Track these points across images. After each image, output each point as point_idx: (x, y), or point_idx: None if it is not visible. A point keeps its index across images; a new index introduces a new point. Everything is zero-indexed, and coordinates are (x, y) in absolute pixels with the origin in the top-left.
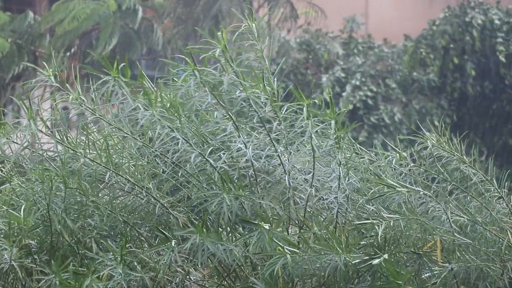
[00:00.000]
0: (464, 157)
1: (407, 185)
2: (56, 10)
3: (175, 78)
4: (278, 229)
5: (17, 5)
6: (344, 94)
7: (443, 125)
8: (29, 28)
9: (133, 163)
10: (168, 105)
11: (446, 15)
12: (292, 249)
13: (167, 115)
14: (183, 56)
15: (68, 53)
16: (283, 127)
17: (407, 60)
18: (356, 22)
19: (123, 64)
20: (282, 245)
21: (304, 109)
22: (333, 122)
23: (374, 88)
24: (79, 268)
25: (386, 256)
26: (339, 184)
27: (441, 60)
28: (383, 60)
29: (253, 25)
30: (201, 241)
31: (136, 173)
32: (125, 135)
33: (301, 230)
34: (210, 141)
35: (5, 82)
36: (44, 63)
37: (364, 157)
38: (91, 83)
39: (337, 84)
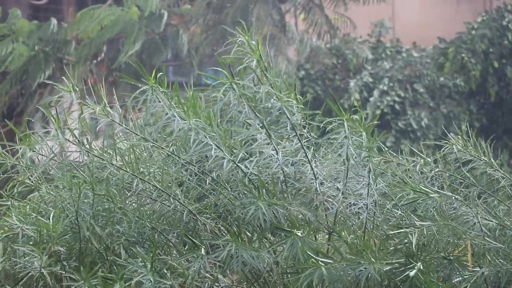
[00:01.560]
0: (492, 161)
1: (436, 189)
2: (81, 18)
3: (207, 84)
4: (309, 237)
5: (44, 13)
6: (371, 99)
7: (470, 129)
8: (54, 36)
9: (159, 170)
10: (204, 114)
11: (484, 19)
12: (325, 260)
13: (202, 124)
14: (212, 66)
15: (95, 60)
16: (312, 134)
17: (447, 65)
18: (384, 26)
19: (160, 74)
20: (315, 255)
21: (345, 125)
22: (364, 133)
23: (401, 93)
24: (108, 275)
25: (420, 265)
26: (368, 191)
27: (482, 64)
28: (411, 65)
29: (246, 38)
30: (236, 249)
31: (163, 181)
32: (152, 146)
33: (331, 237)
34: (239, 150)
35: (32, 90)
36: (67, 72)
37: (391, 161)
38: (117, 90)
39: (365, 89)
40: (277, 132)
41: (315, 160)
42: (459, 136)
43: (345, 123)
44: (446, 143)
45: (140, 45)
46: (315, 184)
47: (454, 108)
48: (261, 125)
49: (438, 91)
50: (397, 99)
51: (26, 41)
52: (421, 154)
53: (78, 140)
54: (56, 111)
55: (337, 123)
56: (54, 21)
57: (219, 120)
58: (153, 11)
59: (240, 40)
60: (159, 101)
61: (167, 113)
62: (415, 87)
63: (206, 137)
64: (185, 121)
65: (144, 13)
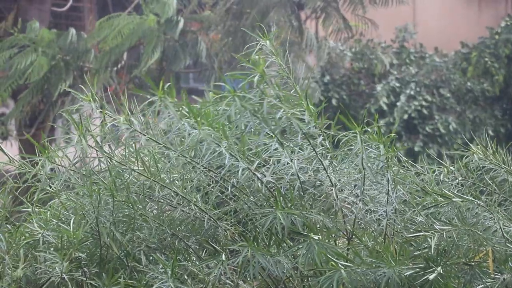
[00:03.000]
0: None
1: (459, 194)
2: (101, 27)
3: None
4: (328, 241)
5: (66, 20)
6: (398, 103)
7: (490, 135)
8: (74, 45)
9: (179, 177)
10: (214, 125)
11: (508, 24)
12: (345, 263)
13: (213, 133)
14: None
15: (115, 68)
16: (327, 143)
17: (470, 69)
18: (408, 31)
19: (168, 84)
20: (333, 258)
21: (358, 138)
22: (382, 146)
23: (428, 98)
24: (129, 281)
25: (440, 269)
26: (387, 199)
27: (506, 68)
28: (437, 70)
29: (269, 41)
30: (252, 254)
31: (182, 187)
32: (171, 153)
33: (350, 242)
34: (253, 159)
35: (53, 99)
36: (87, 81)
37: (411, 171)
38: (136, 101)
39: (392, 94)
40: (290, 140)
41: (332, 168)
42: (479, 145)
43: (359, 136)
44: (467, 151)
45: (160, 53)
46: (333, 191)
47: (480, 114)
48: (270, 135)
49: (464, 96)
50: (424, 103)
51: (46, 50)
52: (443, 163)
53: (100, 147)
54: (80, 118)
55: (353, 135)
56: (72, 30)
57: (231, 129)
58: (170, 17)
59: (261, 44)
60: (168, 112)
61: (177, 123)
62: (441, 92)
63: (219, 145)
64: (196, 130)
65: (161, 19)
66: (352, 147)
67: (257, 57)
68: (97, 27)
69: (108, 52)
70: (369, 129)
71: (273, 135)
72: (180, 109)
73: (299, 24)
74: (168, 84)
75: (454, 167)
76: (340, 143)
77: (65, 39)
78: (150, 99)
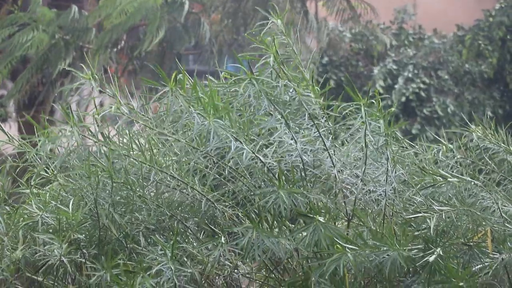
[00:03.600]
0: (511, 148)
1: (456, 175)
2: (103, 5)
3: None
4: (331, 223)
5: (65, 1)
6: (396, 86)
7: (489, 116)
8: (75, 23)
9: (176, 160)
10: (222, 111)
11: (502, 6)
12: (351, 246)
13: (222, 123)
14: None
15: (115, 48)
16: (331, 124)
17: (464, 52)
18: (407, 13)
19: (179, 74)
20: (339, 241)
21: (362, 110)
22: (381, 121)
23: (426, 80)
24: (128, 262)
25: (440, 251)
26: (386, 178)
27: (499, 51)
28: (435, 52)
29: (280, 20)
30: (257, 236)
31: (180, 170)
32: (168, 138)
33: (350, 223)
34: (258, 139)
35: (53, 78)
36: (87, 60)
37: (410, 150)
38: (136, 79)
39: (389, 76)
40: (295, 122)
41: (333, 148)
42: (479, 124)
43: (363, 108)
44: (466, 130)
45: (164, 33)
46: (333, 171)
47: (478, 95)
48: (280, 116)
49: (462, 78)
50: (422, 86)
51: (46, 29)
52: (442, 141)
53: (93, 135)
54: (70, 109)
55: (355, 108)
56: (75, 8)
57: (242, 112)
58: None
59: (272, 22)
60: (179, 104)
61: (186, 113)
62: (439, 74)
63: (226, 132)
64: (205, 121)
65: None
66: (354, 125)
67: (269, 38)
68: (100, 5)
69: (110, 31)
70: (368, 109)
71: (283, 117)
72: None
73: (302, 5)
74: (180, 74)
75: (453, 146)
76: (341, 123)
77: (67, 17)
78: (162, 91)
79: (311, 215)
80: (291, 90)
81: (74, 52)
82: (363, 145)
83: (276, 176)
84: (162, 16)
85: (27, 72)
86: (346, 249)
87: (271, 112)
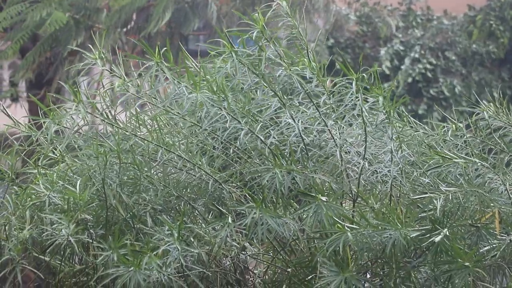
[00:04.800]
0: None
1: (463, 156)
2: None
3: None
4: (334, 203)
5: None
6: (402, 67)
7: (501, 96)
8: (86, 3)
9: (183, 141)
10: (214, 86)
11: None
12: (351, 225)
13: (211, 96)
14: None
15: (124, 29)
16: (332, 101)
17: (475, 32)
18: None
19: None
20: (340, 220)
21: (353, 83)
22: (381, 98)
23: (433, 61)
24: (135, 243)
25: (446, 231)
26: (392, 158)
27: (511, 31)
28: (442, 32)
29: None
30: (261, 215)
31: (187, 150)
32: (174, 116)
33: (356, 204)
34: (258, 119)
35: (63, 57)
36: (95, 40)
37: (418, 130)
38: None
39: (396, 57)
40: (292, 100)
41: (337, 127)
42: (491, 103)
43: (354, 82)
44: (478, 108)
45: (170, 14)
46: (336, 151)
47: (486, 76)
48: (271, 93)
49: (469, 59)
50: (428, 66)
51: (57, 7)
52: (452, 120)
53: (101, 113)
54: (84, 85)
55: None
56: None
57: (231, 92)
58: None
59: (276, 3)
60: (166, 76)
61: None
62: (447, 55)
63: (220, 109)
64: (193, 94)
65: None
66: (352, 102)
67: (256, 14)
68: None
69: (118, 11)
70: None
71: (276, 94)
72: (178, 72)
73: None
74: (164, 49)
75: (462, 124)
76: (337, 99)
77: None
78: (146, 64)
79: (313, 194)
80: (282, 68)
81: (84, 31)
82: (361, 122)
83: (275, 155)
84: None
85: (36, 50)
86: (347, 228)
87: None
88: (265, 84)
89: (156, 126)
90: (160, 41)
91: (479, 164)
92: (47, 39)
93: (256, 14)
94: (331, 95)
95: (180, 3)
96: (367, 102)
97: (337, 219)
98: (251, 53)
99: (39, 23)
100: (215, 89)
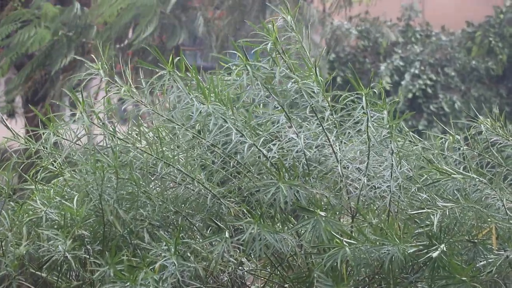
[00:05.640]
0: None
1: (461, 171)
2: (102, 3)
3: (226, 69)
4: (333, 218)
5: None
6: (403, 82)
7: (498, 111)
8: (77, 20)
9: (183, 154)
10: (223, 98)
11: None
12: (349, 240)
13: (220, 108)
14: (234, 49)
15: (118, 45)
16: (335, 117)
17: (474, 48)
18: (414, 10)
19: (178, 58)
20: (338, 236)
21: (363, 98)
22: (385, 112)
23: (433, 77)
24: (132, 259)
25: (443, 247)
26: (391, 173)
27: (510, 48)
28: (441, 49)
29: (289, 16)
30: (258, 231)
31: (186, 164)
32: (176, 127)
33: (355, 219)
34: (261, 133)
35: (55, 75)
36: (93, 55)
37: (417, 145)
38: (141, 75)
39: (396, 73)
40: (298, 115)
41: (338, 142)
42: (488, 117)
43: (364, 98)
44: (476, 122)
45: (158, 28)
46: (338, 167)
47: (485, 92)
48: (279, 108)
49: (469, 75)
50: (428, 82)
51: (49, 25)
52: (450, 132)
53: (102, 123)
54: (82, 94)
55: (360, 100)
56: (77, 4)
57: (239, 104)
58: None
59: (281, 18)
60: (178, 86)
61: (185, 98)
62: (446, 71)
63: (226, 121)
64: (204, 105)
65: None
66: (357, 117)
67: (270, 25)
68: (99, 2)
69: (108, 29)
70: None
71: (282, 109)
72: (189, 83)
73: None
74: (178, 58)
75: (460, 136)
76: (342, 114)
77: (69, 13)
78: (159, 73)
79: (312, 209)
80: (292, 81)
81: (76, 48)
82: (366, 137)
83: (278, 169)
84: (155, 11)
85: (28, 66)
86: (345, 243)
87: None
88: (276, 98)
89: (156, 138)
90: (151, 56)
91: (476, 180)
92: (39, 56)
93: (269, 25)
94: (334, 110)
95: (168, 18)
96: (372, 117)
97: (335, 234)
98: (265, 67)
99: (27, 43)
100: (224, 102)
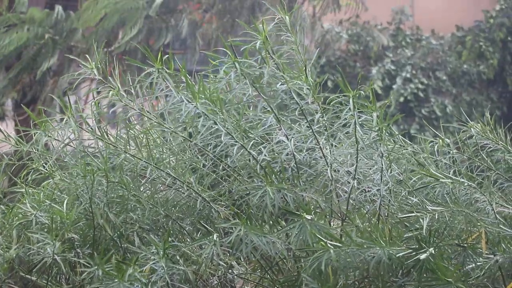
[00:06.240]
0: (510, 147)
1: (450, 175)
2: (86, 8)
3: (214, 71)
4: (321, 222)
5: (63, 1)
6: (394, 86)
7: (489, 116)
8: (62, 24)
9: (173, 157)
10: (212, 98)
11: (503, 7)
12: (334, 243)
13: (210, 108)
14: (222, 52)
15: (105, 49)
16: (325, 119)
17: (465, 53)
18: (404, 13)
19: (166, 56)
20: (324, 238)
21: (350, 100)
22: (375, 114)
23: (424, 81)
24: (122, 261)
25: (432, 250)
26: (381, 176)
27: (500, 52)
28: (433, 52)
29: (286, 17)
30: (245, 233)
31: (177, 168)
32: (166, 130)
33: (344, 223)
34: (251, 135)
35: (44, 78)
36: (87, 55)
37: (407, 149)
38: (129, 76)
39: (387, 77)
40: (287, 116)
41: (328, 145)
42: (478, 122)
43: (351, 100)
44: (466, 126)
45: (144, 30)
46: (327, 170)
47: (476, 96)
48: (268, 108)
49: (460, 79)
50: (420, 86)
51: (35, 29)
52: (439, 135)
53: (91, 128)
54: (69, 99)
55: (347, 103)
56: (59, 8)
57: (227, 106)
58: None
59: (278, 18)
60: (166, 84)
61: (174, 96)
62: (438, 75)
63: (216, 122)
64: (193, 104)
65: None
66: (346, 119)
67: (260, 25)
68: (84, 6)
69: (94, 32)
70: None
71: (271, 109)
72: (178, 85)
73: (291, 3)
74: (167, 56)
75: (449, 140)
76: (330, 115)
77: (51, 18)
78: (147, 70)
79: (298, 213)
80: (282, 81)
81: (64, 52)
82: (354, 140)
83: (267, 173)
84: (140, 14)
85: (14, 69)
86: (329, 246)
87: (256, 105)
88: (264, 98)
89: (146, 141)
90: (137, 58)
91: (465, 184)
92: (24, 59)
93: (260, 25)
94: (325, 113)
95: (155, 20)
96: (360, 119)
97: (319, 237)
98: (255, 64)
99: (2, 44)
100: (212, 100)
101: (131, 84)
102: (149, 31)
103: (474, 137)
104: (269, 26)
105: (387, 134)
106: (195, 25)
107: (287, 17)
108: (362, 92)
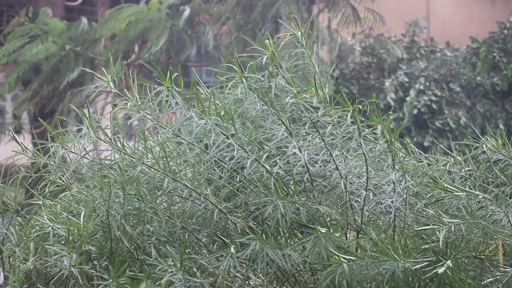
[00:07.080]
0: None
1: (465, 189)
2: (110, 17)
3: (225, 85)
4: (336, 234)
5: (78, 14)
6: (408, 98)
7: (501, 129)
8: (84, 35)
9: (190, 169)
10: (222, 113)
11: None
12: (349, 257)
13: (221, 123)
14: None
15: (125, 61)
16: (338, 132)
17: (479, 64)
18: (418, 26)
19: (176, 74)
20: (339, 251)
21: (348, 116)
22: (379, 127)
23: (438, 93)
24: (139, 274)
25: (449, 263)
26: (394, 188)
27: None
28: (446, 64)
29: (301, 32)
30: (261, 247)
31: (193, 180)
32: (182, 142)
33: (359, 235)
34: (265, 147)
35: (62, 90)
36: (103, 68)
37: (422, 161)
38: (148, 90)
39: (400, 89)
40: (300, 129)
41: (342, 157)
42: (490, 137)
43: (349, 115)
44: (476, 142)
45: (167, 42)
46: (341, 182)
47: (491, 107)
48: (279, 122)
49: (474, 90)
50: (434, 98)
51: (56, 40)
52: (451, 153)
53: (109, 139)
54: (88, 110)
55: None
56: (84, 20)
57: (239, 120)
58: (173, 3)
59: (292, 34)
60: (176, 102)
61: (185, 114)
62: (451, 87)
63: (228, 137)
64: (203, 120)
65: (163, 5)
66: (354, 132)
67: (267, 40)
68: (106, 16)
69: (116, 42)
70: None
71: (282, 122)
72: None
73: (309, 16)
74: (176, 74)
75: (461, 158)
76: (334, 128)
77: (77, 28)
78: (157, 89)
79: (312, 226)
80: (289, 95)
81: (84, 63)
82: (363, 152)
83: (281, 186)
84: (165, 25)
85: (36, 82)
86: (343, 259)
87: (266, 118)
88: (273, 112)
89: (163, 153)
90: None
91: (480, 196)
92: (47, 71)
93: (267, 41)
94: (337, 125)
95: (177, 32)
96: (368, 131)
97: (334, 251)
98: (261, 79)
99: (31, 53)
100: (223, 115)
101: (148, 96)
102: (171, 43)
103: (486, 152)
104: (285, 39)
105: (399, 146)
106: (218, 37)
107: (299, 32)
108: (367, 105)
